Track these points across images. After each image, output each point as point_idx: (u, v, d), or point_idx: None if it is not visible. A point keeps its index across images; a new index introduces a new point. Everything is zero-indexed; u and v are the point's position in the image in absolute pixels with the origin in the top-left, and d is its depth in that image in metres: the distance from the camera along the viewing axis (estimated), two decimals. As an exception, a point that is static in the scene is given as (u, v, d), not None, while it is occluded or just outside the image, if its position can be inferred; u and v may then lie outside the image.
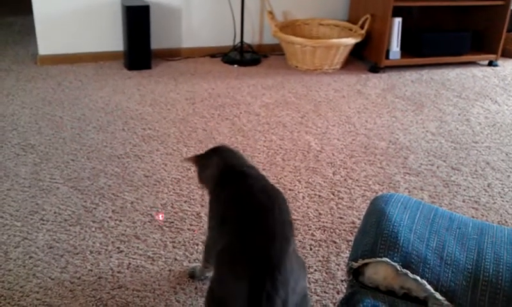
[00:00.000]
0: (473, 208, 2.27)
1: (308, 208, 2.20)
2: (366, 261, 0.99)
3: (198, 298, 1.70)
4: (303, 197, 2.27)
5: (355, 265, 1.02)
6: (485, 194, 2.38)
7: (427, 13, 4.28)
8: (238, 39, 4.05)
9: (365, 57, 4.13)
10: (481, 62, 4.34)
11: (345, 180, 2.43)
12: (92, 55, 3.82)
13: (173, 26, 3.98)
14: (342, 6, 4.39)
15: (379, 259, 0.97)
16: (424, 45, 4.06)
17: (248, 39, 4.13)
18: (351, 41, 3.87)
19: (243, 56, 4.00)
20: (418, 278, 0.92)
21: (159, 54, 3.91)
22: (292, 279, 1.17)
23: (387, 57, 3.96)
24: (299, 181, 2.40)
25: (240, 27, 3.99)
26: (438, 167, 2.59)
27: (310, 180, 2.41)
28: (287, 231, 1.28)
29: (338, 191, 2.33)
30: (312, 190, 2.33)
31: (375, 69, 3.97)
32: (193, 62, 3.96)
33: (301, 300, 1.23)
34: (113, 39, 3.81)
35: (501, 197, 2.36)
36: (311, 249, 1.93)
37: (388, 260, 0.96)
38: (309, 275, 1.80)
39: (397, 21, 3.90)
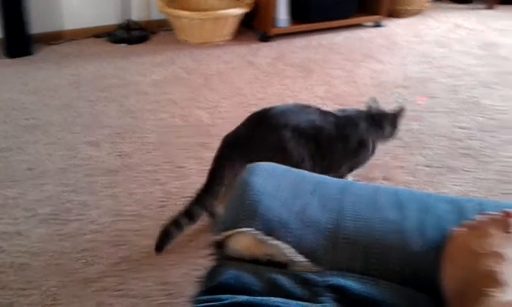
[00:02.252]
0: (357, 166, 2.36)
1: (199, 184, 2.18)
2: (228, 233, 0.99)
3: (87, 288, 1.65)
4: (195, 173, 2.26)
5: (217, 238, 1.02)
6: (369, 152, 2.47)
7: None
8: (124, 17, 3.92)
9: (255, 27, 4.14)
10: (367, 24, 4.49)
11: (235, 151, 2.44)
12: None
13: (53, 8, 3.77)
14: (229, -23, 4.35)
15: (239, 229, 0.98)
16: (311, 10, 4.12)
17: (135, 16, 4.01)
18: (239, 11, 3.86)
19: (130, 34, 3.88)
20: (279, 243, 0.94)
21: (41, 38, 3.70)
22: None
23: (276, 25, 3.99)
24: (191, 158, 2.38)
25: (124, 4, 3.86)
26: (325, 130, 2.66)
27: (202, 155, 2.40)
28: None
29: (229, 163, 2.34)
30: (204, 165, 2.32)
31: (265, 38, 3.99)
32: (77, 45, 3.78)
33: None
34: (-12, 26, 3.56)
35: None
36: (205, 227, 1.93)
37: (249, 229, 0.97)
38: (206, 251, 1.81)
39: (283, -11, 3.93)
